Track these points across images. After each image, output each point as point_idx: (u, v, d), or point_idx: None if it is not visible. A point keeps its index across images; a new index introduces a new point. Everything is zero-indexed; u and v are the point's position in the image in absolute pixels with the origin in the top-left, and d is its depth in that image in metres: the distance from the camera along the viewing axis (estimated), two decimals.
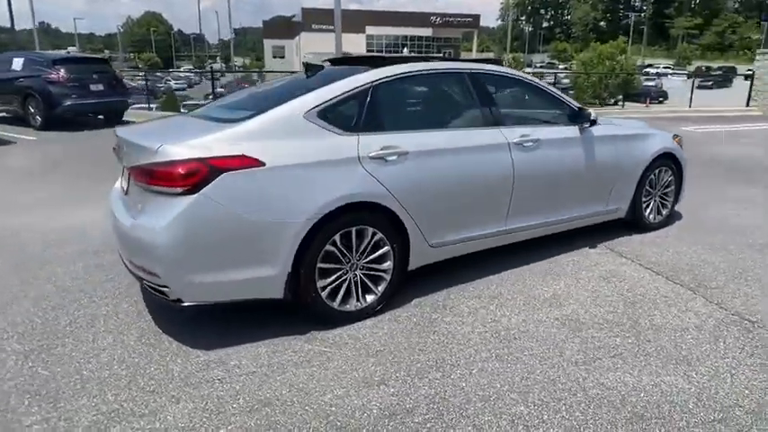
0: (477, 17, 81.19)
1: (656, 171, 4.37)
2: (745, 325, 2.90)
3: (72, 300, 3.24)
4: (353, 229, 2.84)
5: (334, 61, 3.98)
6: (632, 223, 4.42)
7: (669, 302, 3.19)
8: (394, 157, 2.94)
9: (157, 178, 2.50)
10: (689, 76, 45.18)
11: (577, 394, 2.29)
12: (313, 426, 2.11)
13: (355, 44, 59.42)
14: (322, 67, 3.65)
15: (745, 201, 5.52)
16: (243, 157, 2.55)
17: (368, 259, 2.95)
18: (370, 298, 3.00)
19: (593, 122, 3.85)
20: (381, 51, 63.86)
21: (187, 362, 2.55)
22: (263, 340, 2.75)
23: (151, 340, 2.76)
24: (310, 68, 3.57)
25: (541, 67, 71.34)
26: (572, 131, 3.80)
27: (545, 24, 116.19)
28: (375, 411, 2.20)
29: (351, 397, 2.29)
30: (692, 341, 2.74)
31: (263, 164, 2.58)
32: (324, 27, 68.49)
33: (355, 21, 65.36)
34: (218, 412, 2.19)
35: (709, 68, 63.22)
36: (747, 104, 17.22)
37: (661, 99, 37.81)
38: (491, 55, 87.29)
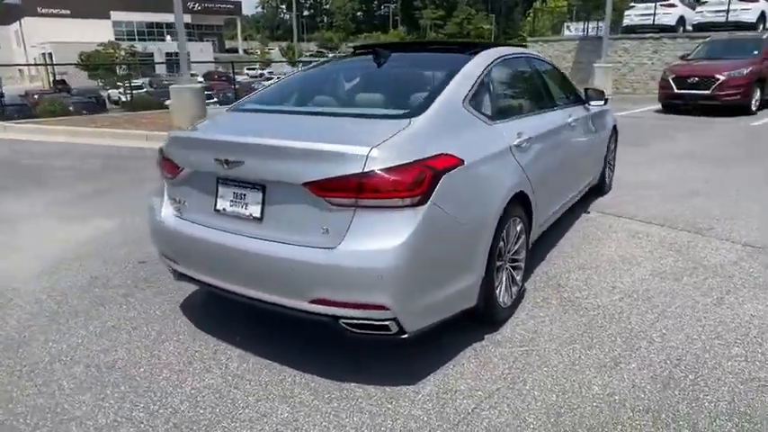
0: (238, 4, 79.06)
1: (611, 139, 5.31)
2: (759, 250, 3.90)
3: None
4: (511, 221, 2.84)
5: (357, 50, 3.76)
6: (598, 187, 5.28)
7: (700, 245, 4.03)
8: (526, 144, 3.02)
9: (373, 190, 2.10)
10: None
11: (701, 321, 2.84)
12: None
13: (98, 31, 51.93)
14: (373, 50, 3.42)
15: (643, 161, 6.99)
16: (447, 156, 2.33)
17: (513, 250, 2.98)
18: (514, 290, 3.04)
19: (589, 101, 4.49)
20: (133, 39, 57.21)
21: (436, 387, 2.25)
22: (456, 358, 2.58)
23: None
24: (376, 54, 3.30)
25: (311, 56, 73.96)
26: (583, 110, 4.36)
27: (306, 13, 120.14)
28: (648, 388, 2.35)
29: (607, 381, 2.39)
30: (749, 269, 3.57)
31: (463, 161, 2.40)
32: (55, 11, 57.90)
33: (97, 4, 56.98)
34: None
35: None
36: None
37: None
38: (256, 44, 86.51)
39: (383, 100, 2.88)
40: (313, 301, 2.22)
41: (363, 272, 2.11)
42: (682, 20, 17.50)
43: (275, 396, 2.35)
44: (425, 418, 2.18)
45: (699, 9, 16.81)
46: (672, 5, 17.20)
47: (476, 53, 3.09)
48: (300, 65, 35.30)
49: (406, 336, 2.27)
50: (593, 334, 2.80)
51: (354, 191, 2.11)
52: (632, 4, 18.22)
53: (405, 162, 2.13)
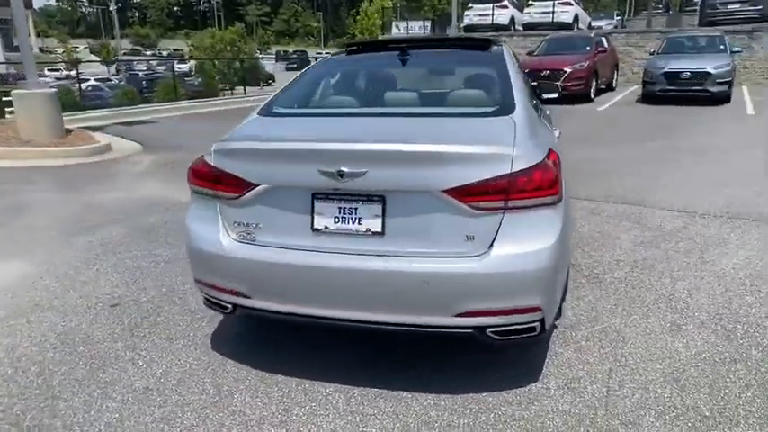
0: None
1: None
2: (694, 215, 4.67)
3: None
4: None
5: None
6: None
7: (648, 215, 4.68)
8: (559, 137, 3.21)
9: (521, 191, 2.05)
10: (276, 59, 52.98)
11: None
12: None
13: None
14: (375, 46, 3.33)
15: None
16: (553, 151, 2.36)
17: None
18: None
19: None
20: None
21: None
22: (550, 349, 2.67)
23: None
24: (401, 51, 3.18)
25: (126, 54, 66.67)
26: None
27: (112, 7, 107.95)
28: (719, 343, 2.71)
29: (684, 342, 2.71)
30: (700, 230, 4.27)
31: (558, 155, 2.46)
32: None
33: None
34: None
35: (287, 52, 73.44)
36: None
37: (270, 81, 42.40)
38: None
39: (456, 98, 2.79)
40: (460, 315, 2.09)
41: (518, 276, 2.06)
42: (513, 20, 19.84)
43: (421, 424, 2.17)
44: (577, 410, 2.22)
45: (527, 10, 19.22)
46: (504, 6, 19.37)
47: (488, 48, 3.18)
48: (119, 64, 31.56)
49: (543, 334, 2.27)
50: (638, 304, 3.11)
51: (503, 193, 2.03)
52: (471, 5, 20.05)
53: (540, 160, 2.12)
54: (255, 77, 35.07)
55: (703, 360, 2.56)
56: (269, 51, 74.81)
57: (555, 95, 4.13)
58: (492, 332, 2.15)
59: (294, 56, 65.82)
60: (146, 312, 3.14)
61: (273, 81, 40.62)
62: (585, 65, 12.29)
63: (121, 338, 2.87)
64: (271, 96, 2.93)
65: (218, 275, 2.37)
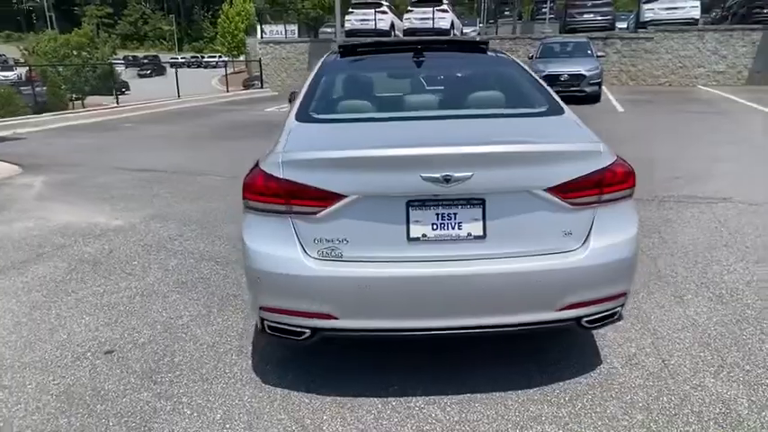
0: None
1: None
2: None
3: None
4: None
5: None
6: None
7: None
8: None
9: (610, 185, 2.19)
10: (126, 66, 48.64)
11: None
12: None
13: None
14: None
15: None
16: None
17: None
18: None
19: None
20: None
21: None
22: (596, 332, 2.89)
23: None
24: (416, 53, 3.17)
25: None
26: None
27: None
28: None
29: (733, 309, 3.10)
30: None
31: None
32: None
33: None
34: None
35: (136, 57, 68.10)
36: (262, 86, 21.39)
37: (124, 90, 38.91)
38: None
39: (496, 99, 2.84)
40: (562, 309, 2.17)
41: (613, 265, 2.19)
42: (393, 25, 20.57)
43: (527, 420, 2.20)
44: (650, 382, 2.42)
45: (406, 16, 20.05)
46: (384, 12, 20.01)
47: (486, 50, 3.33)
48: None
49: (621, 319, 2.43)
50: (636, 285, 3.45)
51: (597, 188, 2.15)
52: (351, 10, 20.38)
53: (615, 154, 2.28)
54: (108, 86, 31.94)
55: (716, 323, 2.94)
56: (115, 57, 68.61)
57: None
58: (586, 321, 2.26)
59: (146, 61, 61.16)
60: (155, 354, 2.75)
61: (128, 89, 37.23)
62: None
63: (145, 388, 2.48)
64: (297, 102, 2.74)
65: (297, 299, 2.17)
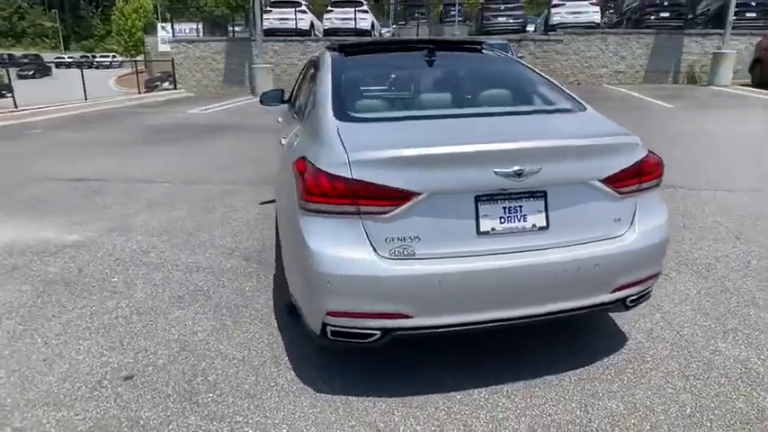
0: None
1: None
2: None
3: None
4: None
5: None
6: None
7: None
8: None
9: (648, 174, 2.38)
10: (2, 65, 43.91)
11: None
12: None
13: None
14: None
15: None
16: None
17: None
18: None
19: None
20: None
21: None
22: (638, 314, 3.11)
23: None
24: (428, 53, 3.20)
25: None
26: None
27: None
28: None
29: None
30: None
31: None
32: None
33: None
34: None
35: (12, 56, 61.76)
36: (175, 87, 20.26)
37: (4, 93, 35.32)
38: None
39: (523, 95, 2.94)
40: (614, 290, 2.32)
41: (655, 247, 2.38)
42: (312, 25, 20.33)
43: (588, 397, 2.33)
44: (676, 351, 2.65)
45: (327, 17, 19.90)
46: (304, 12, 19.72)
47: (482, 48, 3.46)
48: None
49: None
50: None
51: (637, 177, 2.33)
52: (268, 8, 19.84)
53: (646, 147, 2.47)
54: None
55: (705, 295, 3.27)
56: None
57: None
58: (630, 301, 2.43)
59: (26, 61, 55.63)
60: (184, 375, 2.55)
61: (9, 92, 33.57)
62: None
63: (189, 411, 2.30)
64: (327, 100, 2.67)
65: (371, 301, 2.13)
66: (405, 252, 2.13)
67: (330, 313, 2.19)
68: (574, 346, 2.73)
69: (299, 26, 19.29)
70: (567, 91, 2.92)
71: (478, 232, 2.17)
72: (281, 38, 19.18)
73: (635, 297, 2.44)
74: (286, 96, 4.70)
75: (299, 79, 4.28)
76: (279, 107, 4.60)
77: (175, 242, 4.33)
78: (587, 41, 17.12)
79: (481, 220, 2.17)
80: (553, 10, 17.88)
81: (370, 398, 2.36)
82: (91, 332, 2.96)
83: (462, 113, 2.71)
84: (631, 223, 2.34)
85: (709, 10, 18.03)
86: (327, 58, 3.23)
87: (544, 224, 2.22)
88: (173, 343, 2.84)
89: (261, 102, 4.90)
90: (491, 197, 2.16)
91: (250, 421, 2.24)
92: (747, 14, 15.82)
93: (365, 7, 20.07)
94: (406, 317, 2.15)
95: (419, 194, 2.10)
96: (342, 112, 2.54)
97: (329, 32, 19.49)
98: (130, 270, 3.80)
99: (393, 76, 3.27)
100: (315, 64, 3.51)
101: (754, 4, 16.49)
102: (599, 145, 2.30)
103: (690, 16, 18.00)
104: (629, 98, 14.53)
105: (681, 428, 2.16)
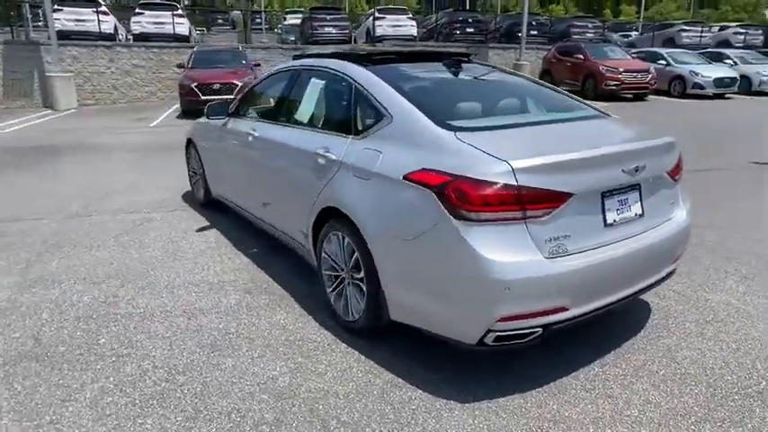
0: None
1: None
2: None
3: None
4: None
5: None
6: None
7: None
8: None
9: (681, 167, 2.91)
10: None
11: None
12: None
13: None
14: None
15: None
16: None
17: None
18: None
19: None
20: None
21: None
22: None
23: None
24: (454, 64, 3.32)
25: None
26: None
27: None
28: None
29: None
30: None
31: None
32: None
33: None
34: None
35: None
36: None
37: None
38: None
39: (558, 103, 3.23)
40: (673, 261, 2.83)
41: (690, 226, 2.92)
42: (116, 28, 18.02)
43: (660, 359, 2.74)
44: (702, 327, 3.23)
45: (136, 20, 17.74)
46: (106, 13, 17.33)
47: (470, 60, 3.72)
48: None
49: None
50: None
51: (680, 168, 2.87)
52: (58, 6, 16.91)
53: None
54: None
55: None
56: None
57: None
58: (671, 272, 2.91)
59: None
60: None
61: None
62: (247, 78, 12.97)
63: None
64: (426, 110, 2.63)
65: (538, 300, 2.24)
66: (559, 250, 2.28)
67: (502, 319, 2.21)
68: (610, 332, 3.11)
69: (102, 29, 16.98)
70: (580, 99, 3.34)
71: (605, 224, 2.44)
72: (82, 42, 16.67)
73: (672, 271, 2.95)
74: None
75: (278, 90, 3.96)
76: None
77: (125, 287, 3.62)
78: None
79: (607, 214, 2.44)
80: (376, 22, 19.02)
81: (504, 398, 2.40)
82: (113, 416, 2.38)
83: (540, 120, 2.92)
84: (679, 205, 2.85)
85: (501, 27, 21.19)
86: (357, 68, 3.12)
87: (641, 212, 2.59)
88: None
89: (207, 115, 4.40)
90: (611, 192, 2.45)
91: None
92: (531, 32, 19.01)
93: (180, 11, 18.62)
94: (564, 309, 2.31)
95: (571, 195, 2.26)
96: (440, 122, 2.54)
97: (140, 38, 17.56)
98: (104, 329, 3.08)
99: (441, 85, 3.28)
100: (328, 75, 3.38)
101: (534, 23, 20.09)
102: (668, 143, 2.76)
103: (488, 32, 20.90)
104: None
105: None
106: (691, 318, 3.17)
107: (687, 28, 22.37)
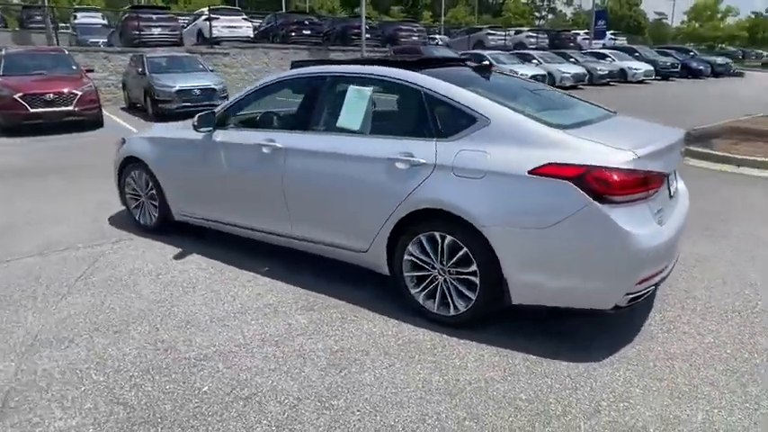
0: None
1: None
2: None
3: None
4: None
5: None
6: None
7: None
8: None
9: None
10: None
11: None
12: None
13: None
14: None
15: None
16: None
17: None
18: None
19: None
20: None
21: None
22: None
23: None
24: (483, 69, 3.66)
25: None
26: None
27: None
28: None
29: None
30: None
31: None
32: None
33: None
34: None
35: None
36: None
37: None
38: None
39: (588, 103, 3.69)
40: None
41: None
42: None
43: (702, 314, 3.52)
44: (725, 304, 4.12)
45: None
46: None
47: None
48: None
49: None
50: None
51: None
52: None
53: None
54: None
55: None
56: None
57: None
58: None
59: None
60: None
61: None
62: (94, 87, 11.42)
63: None
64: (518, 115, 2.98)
65: (659, 262, 2.78)
66: (661, 221, 2.82)
67: (639, 282, 2.68)
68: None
69: None
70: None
71: (670, 197, 3.07)
72: None
73: None
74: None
75: (300, 98, 3.85)
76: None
77: (174, 325, 3.23)
78: (253, 55, 18.09)
79: (670, 189, 3.08)
80: (213, 24, 17.99)
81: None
82: None
83: (594, 117, 3.36)
84: (680, 179, 3.64)
85: (335, 29, 21.85)
86: (419, 74, 3.27)
87: (674, 192, 3.26)
88: None
89: (198, 127, 4.01)
90: (667, 175, 3.05)
91: None
92: (364, 35, 20.01)
93: None
94: (665, 269, 2.87)
95: (666, 175, 2.86)
96: (539, 121, 2.91)
97: None
98: (197, 372, 2.76)
99: (498, 88, 3.53)
100: (380, 81, 3.48)
101: (368, 27, 21.18)
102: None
103: (323, 34, 21.32)
104: None
105: None
106: None
107: (492, 32, 25.90)
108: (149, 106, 12.76)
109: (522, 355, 2.87)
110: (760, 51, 47.14)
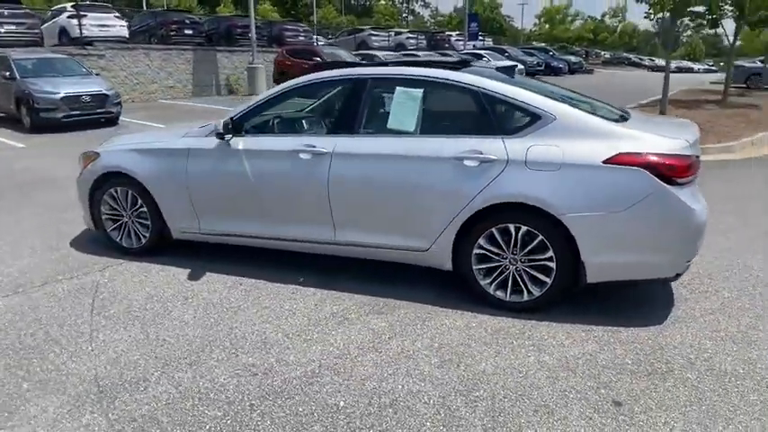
0: None
1: None
2: None
3: None
4: None
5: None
6: None
7: None
8: None
9: None
10: None
11: None
12: None
13: None
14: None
15: None
16: None
17: None
18: None
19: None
20: None
21: None
22: None
23: None
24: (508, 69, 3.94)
25: None
26: None
27: None
28: None
29: None
30: None
31: None
32: None
33: None
34: None
35: None
36: None
37: None
38: None
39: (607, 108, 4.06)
40: None
41: None
42: None
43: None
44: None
45: None
46: None
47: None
48: None
49: None
50: None
51: None
52: None
53: None
54: None
55: None
56: None
57: None
58: None
59: None
60: None
61: None
62: None
63: None
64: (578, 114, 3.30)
65: (704, 234, 3.25)
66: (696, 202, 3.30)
67: (697, 252, 3.18)
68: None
69: None
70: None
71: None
72: None
73: None
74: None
75: (335, 102, 3.78)
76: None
77: (246, 350, 3.06)
78: (132, 57, 16.53)
79: None
80: (76, 21, 16.08)
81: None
82: None
83: (622, 112, 3.76)
84: None
85: (218, 28, 20.81)
86: (470, 75, 3.45)
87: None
88: None
89: (224, 134, 3.76)
90: None
91: None
92: (249, 35, 19.24)
93: None
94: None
95: (698, 159, 3.34)
96: (599, 116, 3.28)
97: None
98: (310, 394, 2.69)
99: (536, 87, 3.76)
100: (431, 83, 3.59)
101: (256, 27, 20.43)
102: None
103: (205, 33, 20.15)
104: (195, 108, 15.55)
105: None
106: None
107: (375, 33, 26.56)
108: (24, 116, 11.24)
109: (602, 328, 3.21)
110: (599, 51, 54.18)
